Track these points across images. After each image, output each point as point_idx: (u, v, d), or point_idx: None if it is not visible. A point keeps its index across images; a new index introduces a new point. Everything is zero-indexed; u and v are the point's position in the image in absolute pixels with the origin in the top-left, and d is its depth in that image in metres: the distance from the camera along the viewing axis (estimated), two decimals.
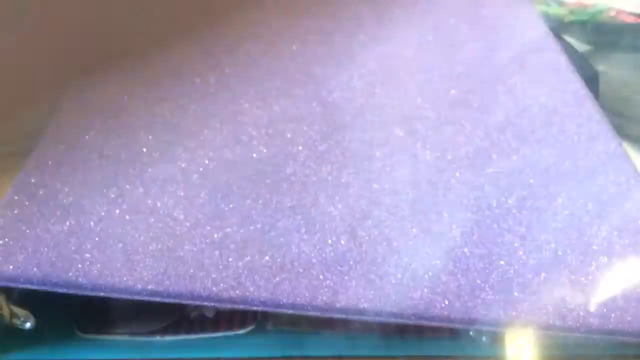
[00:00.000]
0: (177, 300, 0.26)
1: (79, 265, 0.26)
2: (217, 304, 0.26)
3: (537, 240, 0.29)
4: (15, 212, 0.28)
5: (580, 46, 0.57)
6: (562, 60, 0.43)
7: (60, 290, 0.26)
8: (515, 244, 0.29)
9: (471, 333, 0.28)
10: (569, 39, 0.56)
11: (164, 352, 0.28)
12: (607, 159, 0.35)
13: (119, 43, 0.42)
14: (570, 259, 0.29)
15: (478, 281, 0.27)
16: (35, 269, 0.26)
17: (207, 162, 0.32)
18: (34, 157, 0.32)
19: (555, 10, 0.59)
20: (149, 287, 0.26)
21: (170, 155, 0.33)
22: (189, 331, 0.28)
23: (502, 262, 0.28)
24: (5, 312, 0.26)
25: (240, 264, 0.27)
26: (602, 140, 0.36)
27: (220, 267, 0.27)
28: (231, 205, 0.30)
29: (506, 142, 0.36)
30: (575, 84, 0.41)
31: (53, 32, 0.40)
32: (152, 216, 0.29)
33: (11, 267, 0.26)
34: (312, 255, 0.28)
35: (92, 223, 0.28)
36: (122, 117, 0.35)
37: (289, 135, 0.35)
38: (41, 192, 0.29)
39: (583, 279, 0.28)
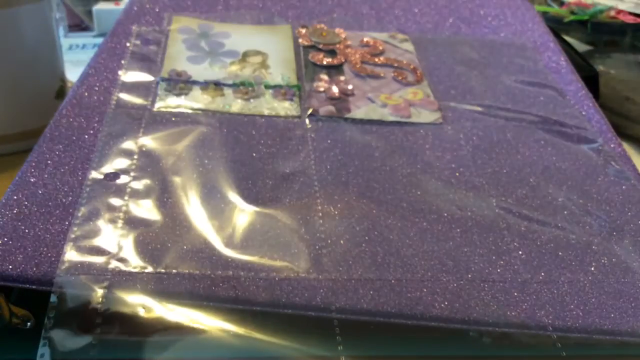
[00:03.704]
0: (177, 300, 0.26)
1: (79, 266, 0.26)
2: (217, 304, 0.25)
3: (537, 240, 0.29)
4: (15, 212, 0.28)
5: (580, 46, 0.57)
6: (562, 60, 0.43)
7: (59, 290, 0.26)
8: (515, 244, 0.29)
9: (471, 333, 0.28)
10: (569, 39, 0.56)
11: (164, 352, 0.28)
12: (607, 159, 0.35)
13: None
14: (570, 259, 0.29)
15: (478, 281, 0.27)
16: (35, 269, 0.26)
17: (206, 161, 0.32)
18: (33, 157, 0.32)
19: (555, 10, 0.59)
20: (148, 287, 0.26)
21: None
22: None
23: (502, 262, 0.28)
24: (5, 312, 0.26)
25: (240, 264, 0.27)
26: (602, 140, 0.36)
27: (220, 266, 0.27)
28: (230, 205, 0.30)
29: (506, 142, 0.36)
30: (575, 84, 0.41)
31: None
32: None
33: (11, 267, 0.26)
34: (312, 255, 0.28)
35: (91, 223, 0.28)
36: None
37: (288, 134, 0.35)
38: (41, 192, 0.29)
39: (583, 279, 0.28)
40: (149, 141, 0.33)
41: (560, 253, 0.29)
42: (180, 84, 0.38)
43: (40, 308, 0.25)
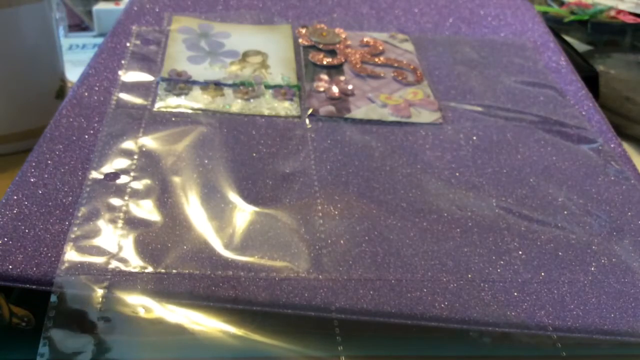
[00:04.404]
0: (177, 300, 0.26)
1: (79, 266, 0.26)
2: (217, 304, 0.25)
3: (537, 240, 0.29)
4: (15, 212, 0.28)
5: (580, 46, 0.57)
6: (562, 60, 0.43)
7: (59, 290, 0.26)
8: (515, 244, 0.29)
9: (471, 333, 0.28)
10: (569, 39, 0.56)
11: (164, 352, 0.28)
12: (607, 159, 0.35)
13: None
14: (570, 259, 0.29)
15: (478, 281, 0.27)
16: (35, 269, 0.26)
17: (206, 161, 0.32)
18: (33, 157, 0.32)
19: (555, 10, 0.59)
20: (148, 287, 0.26)
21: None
22: None
23: (502, 262, 0.28)
24: (5, 312, 0.26)
25: (240, 264, 0.27)
26: (602, 141, 0.36)
27: (220, 267, 0.27)
28: (230, 205, 0.30)
29: (506, 142, 0.36)
30: (575, 84, 0.41)
31: None
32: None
33: (11, 267, 0.26)
34: (312, 255, 0.28)
35: (91, 223, 0.28)
36: None
37: (288, 134, 0.35)
38: (41, 192, 0.29)
39: (583, 279, 0.28)
40: (149, 141, 0.33)
41: (560, 253, 0.29)
42: (180, 84, 0.38)
43: (40, 308, 0.25)
